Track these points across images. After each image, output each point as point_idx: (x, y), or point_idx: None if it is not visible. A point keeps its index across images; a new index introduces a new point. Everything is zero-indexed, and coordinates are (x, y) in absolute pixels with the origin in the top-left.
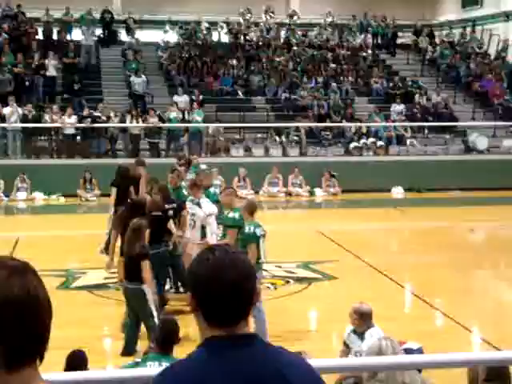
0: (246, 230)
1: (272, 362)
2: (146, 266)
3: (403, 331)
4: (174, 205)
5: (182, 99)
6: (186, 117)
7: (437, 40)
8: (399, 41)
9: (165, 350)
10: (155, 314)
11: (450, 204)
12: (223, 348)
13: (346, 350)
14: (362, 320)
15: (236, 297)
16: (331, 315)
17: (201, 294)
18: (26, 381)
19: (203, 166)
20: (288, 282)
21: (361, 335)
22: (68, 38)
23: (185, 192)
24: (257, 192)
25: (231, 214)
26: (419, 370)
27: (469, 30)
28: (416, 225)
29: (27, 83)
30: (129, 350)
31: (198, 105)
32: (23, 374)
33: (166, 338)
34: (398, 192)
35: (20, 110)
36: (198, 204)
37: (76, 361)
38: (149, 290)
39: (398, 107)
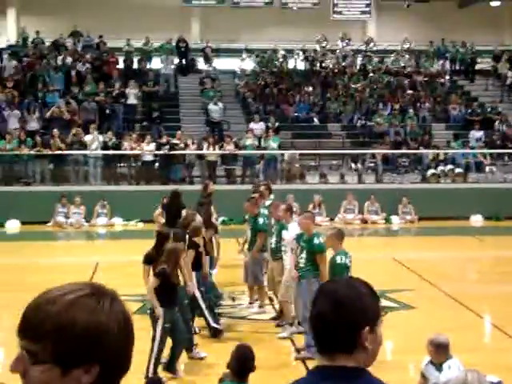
0: (338, 260)
1: None
2: (152, 284)
3: (482, 363)
4: None
5: (257, 126)
6: (262, 143)
7: None
8: (478, 66)
9: (240, 378)
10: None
11: None
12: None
13: (424, 381)
14: (439, 351)
15: (324, 327)
16: (408, 345)
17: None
18: None
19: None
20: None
21: (438, 367)
22: (148, 66)
23: (261, 221)
24: (332, 219)
25: (317, 240)
26: None
27: None
28: (495, 254)
29: (108, 111)
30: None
31: (273, 131)
32: None
33: (242, 365)
34: (476, 220)
35: (101, 138)
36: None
37: None
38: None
39: (476, 134)
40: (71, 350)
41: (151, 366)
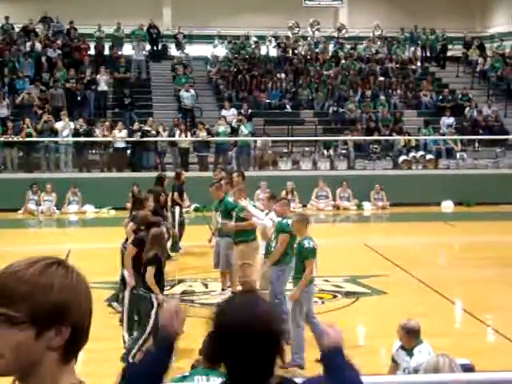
0: (306, 244)
1: None
2: (150, 271)
3: (453, 348)
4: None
5: (230, 113)
6: (234, 126)
7: (487, 52)
8: (449, 53)
9: (213, 364)
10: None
11: (500, 218)
12: None
13: (395, 366)
14: (410, 336)
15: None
16: (379, 330)
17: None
18: (72, 375)
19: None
20: (336, 296)
21: (409, 351)
22: (119, 53)
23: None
24: (304, 205)
25: (284, 221)
26: None
27: None
28: (466, 239)
29: (79, 98)
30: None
31: (246, 118)
32: (72, 368)
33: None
34: (447, 206)
35: (72, 125)
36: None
37: None
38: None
39: (447, 120)
40: (47, 310)
41: (133, 353)
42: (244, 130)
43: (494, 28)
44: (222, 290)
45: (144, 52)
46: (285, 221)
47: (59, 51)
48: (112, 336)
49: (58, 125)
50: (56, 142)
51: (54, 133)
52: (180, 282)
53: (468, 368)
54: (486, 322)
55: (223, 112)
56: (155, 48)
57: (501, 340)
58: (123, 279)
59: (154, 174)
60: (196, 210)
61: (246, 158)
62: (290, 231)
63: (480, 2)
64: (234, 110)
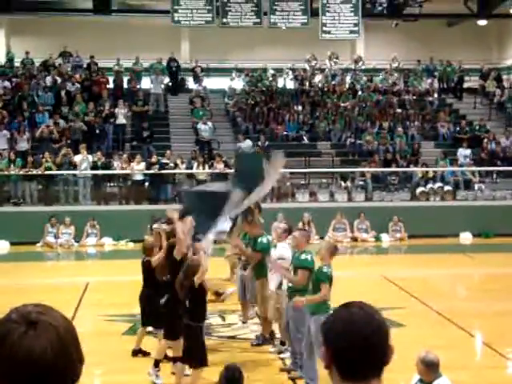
0: (324, 269)
1: None
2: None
3: (472, 381)
4: None
5: (247, 145)
6: None
7: (505, 83)
8: (466, 85)
9: None
10: None
11: None
12: None
13: None
14: (429, 370)
15: (366, 352)
16: (398, 364)
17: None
18: None
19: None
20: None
21: None
22: (138, 86)
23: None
24: (321, 237)
25: (304, 256)
26: None
27: None
28: (485, 271)
29: (97, 131)
30: None
31: (262, 150)
32: None
33: None
34: (465, 237)
35: (90, 158)
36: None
37: None
38: None
39: (465, 151)
40: None
41: None
42: None
43: (511, 59)
44: (243, 322)
45: (162, 85)
46: (303, 256)
47: (78, 85)
48: (132, 368)
49: (77, 158)
50: (74, 175)
51: (73, 166)
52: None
53: None
54: (505, 355)
55: (241, 144)
56: (173, 81)
57: None
58: None
59: (173, 207)
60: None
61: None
62: (311, 268)
63: (497, 33)
64: (248, 141)
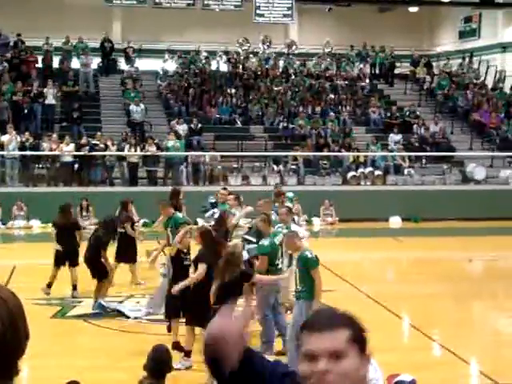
0: (308, 255)
1: None
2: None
3: (400, 363)
4: None
5: (180, 128)
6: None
7: (434, 70)
8: (397, 71)
9: (158, 379)
10: None
11: (447, 234)
12: None
13: None
14: None
15: None
16: None
17: None
18: None
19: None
20: (286, 312)
21: None
22: (68, 66)
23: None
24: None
25: (307, 254)
26: None
27: (466, 60)
28: (413, 255)
29: (26, 111)
30: None
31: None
32: None
33: (158, 368)
34: (395, 222)
35: (18, 138)
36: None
37: None
38: None
39: (395, 137)
40: None
41: None
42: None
43: (441, 46)
44: None
45: (92, 66)
46: (306, 253)
47: (6, 64)
48: (58, 352)
49: (4, 138)
50: (2, 156)
51: (0, 146)
52: (129, 297)
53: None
54: (432, 336)
55: (176, 126)
56: (105, 62)
57: (446, 354)
58: None
59: (102, 189)
60: (144, 225)
61: (195, 173)
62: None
63: (428, 21)
64: (184, 125)
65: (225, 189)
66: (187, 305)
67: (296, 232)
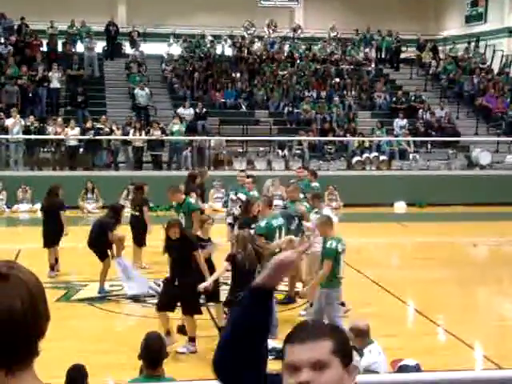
0: (328, 244)
1: None
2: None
3: (404, 347)
4: None
5: (185, 112)
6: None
7: (440, 55)
8: (403, 55)
9: (154, 368)
10: None
11: (452, 219)
12: None
13: None
14: (359, 337)
15: None
16: None
17: None
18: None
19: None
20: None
21: (360, 351)
22: (73, 50)
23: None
24: None
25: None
26: None
27: (472, 45)
28: (418, 240)
29: (30, 95)
30: None
31: (200, 117)
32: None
33: (152, 357)
34: (400, 206)
35: (23, 122)
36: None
37: (76, 375)
38: None
39: (401, 122)
40: None
41: None
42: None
43: (447, 31)
44: None
45: (97, 49)
46: (328, 244)
47: (11, 47)
48: (62, 335)
49: (9, 122)
50: (6, 140)
51: (5, 130)
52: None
53: (415, 368)
54: (436, 321)
55: (178, 110)
56: (111, 45)
57: (451, 339)
58: None
59: (108, 173)
60: (150, 209)
61: (200, 157)
62: (333, 257)
63: (434, 5)
64: (190, 109)
65: (243, 171)
66: (185, 295)
67: (329, 218)
